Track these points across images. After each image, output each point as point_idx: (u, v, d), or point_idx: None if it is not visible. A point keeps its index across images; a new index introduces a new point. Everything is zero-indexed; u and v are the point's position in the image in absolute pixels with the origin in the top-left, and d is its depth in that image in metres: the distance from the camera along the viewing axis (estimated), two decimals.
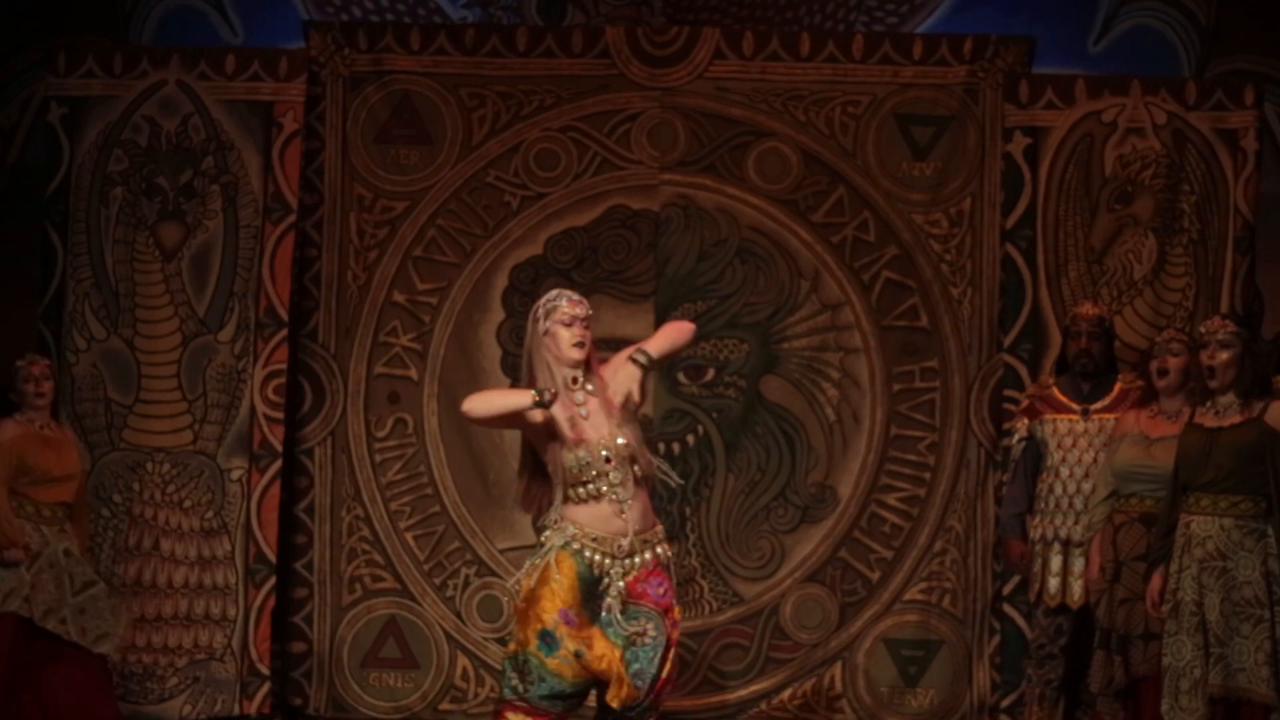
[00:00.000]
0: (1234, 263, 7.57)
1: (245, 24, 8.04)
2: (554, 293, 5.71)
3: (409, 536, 7.74)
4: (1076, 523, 6.79)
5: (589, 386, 5.64)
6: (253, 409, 7.63)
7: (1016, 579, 7.35)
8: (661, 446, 7.73)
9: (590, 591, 5.59)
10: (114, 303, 7.67)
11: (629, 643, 5.58)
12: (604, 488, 5.59)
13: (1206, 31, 7.91)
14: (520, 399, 5.57)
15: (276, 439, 7.63)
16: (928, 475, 7.70)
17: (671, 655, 5.64)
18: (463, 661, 7.67)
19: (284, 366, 7.67)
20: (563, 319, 5.63)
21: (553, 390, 5.55)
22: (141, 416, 7.63)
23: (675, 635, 5.65)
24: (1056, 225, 7.64)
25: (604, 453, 5.57)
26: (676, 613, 5.67)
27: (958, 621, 7.64)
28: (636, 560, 5.62)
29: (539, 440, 5.64)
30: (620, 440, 5.58)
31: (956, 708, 7.61)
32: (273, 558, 7.59)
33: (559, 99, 7.80)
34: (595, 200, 7.80)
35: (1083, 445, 6.88)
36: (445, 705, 7.66)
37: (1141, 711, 6.45)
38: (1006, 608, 7.50)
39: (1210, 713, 5.98)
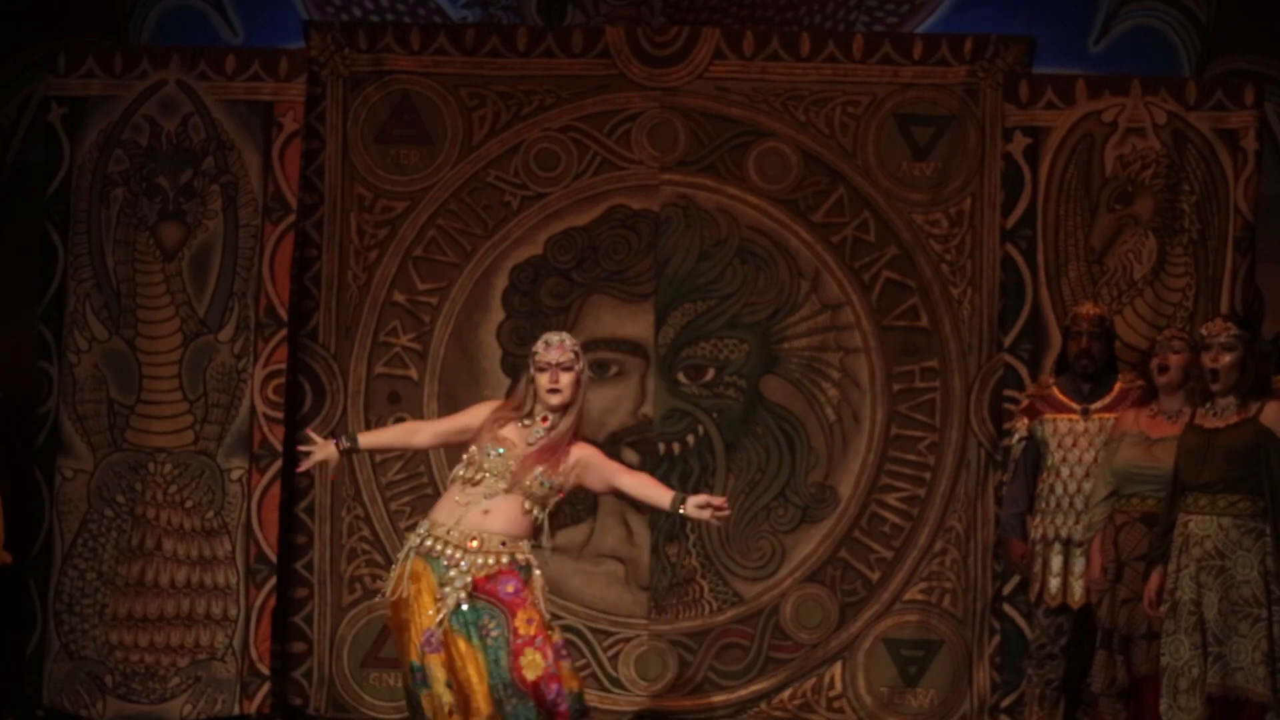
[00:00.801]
0: (1234, 263, 7.57)
1: (245, 24, 8.04)
2: (545, 336, 5.87)
3: (409, 536, 7.72)
4: (1077, 522, 6.80)
5: (546, 433, 5.77)
6: (253, 409, 7.63)
7: (1016, 579, 7.36)
8: (662, 446, 7.73)
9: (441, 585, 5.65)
10: (115, 303, 7.67)
11: (482, 643, 5.61)
12: (485, 483, 5.68)
13: (1207, 31, 7.91)
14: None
15: (277, 439, 7.63)
16: (928, 475, 7.70)
17: (534, 657, 5.58)
18: None
19: (284, 366, 7.67)
20: (539, 364, 5.81)
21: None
22: (143, 417, 7.63)
23: (527, 632, 5.58)
24: (1056, 225, 7.64)
25: (500, 450, 5.70)
26: (525, 617, 5.60)
27: (958, 621, 7.64)
28: (489, 561, 5.66)
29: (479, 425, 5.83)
30: (542, 482, 5.70)
31: (956, 708, 7.61)
32: (273, 558, 7.59)
33: (559, 99, 7.80)
34: (595, 200, 7.80)
35: (1083, 445, 6.88)
36: None
37: (1143, 711, 6.46)
38: (1006, 608, 7.50)
39: (1208, 712, 5.99)
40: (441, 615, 5.59)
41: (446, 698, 5.57)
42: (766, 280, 7.78)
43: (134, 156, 7.71)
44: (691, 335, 7.77)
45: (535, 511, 5.74)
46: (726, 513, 5.65)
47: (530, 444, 5.76)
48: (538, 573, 5.74)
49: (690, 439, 7.76)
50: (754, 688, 7.67)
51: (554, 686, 5.59)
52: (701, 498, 5.65)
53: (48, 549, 7.61)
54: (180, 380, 7.65)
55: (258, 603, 7.56)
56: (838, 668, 7.67)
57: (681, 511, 5.65)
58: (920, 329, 7.74)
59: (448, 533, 5.68)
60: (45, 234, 7.71)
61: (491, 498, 5.70)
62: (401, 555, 5.75)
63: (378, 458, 7.74)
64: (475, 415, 5.91)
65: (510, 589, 5.64)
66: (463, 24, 7.96)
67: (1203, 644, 6.02)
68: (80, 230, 7.70)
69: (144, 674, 7.54)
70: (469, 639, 5.60)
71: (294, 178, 7.71)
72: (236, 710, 7.53)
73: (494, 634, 5.60)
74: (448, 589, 5.62)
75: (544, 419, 5.80)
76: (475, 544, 5.66)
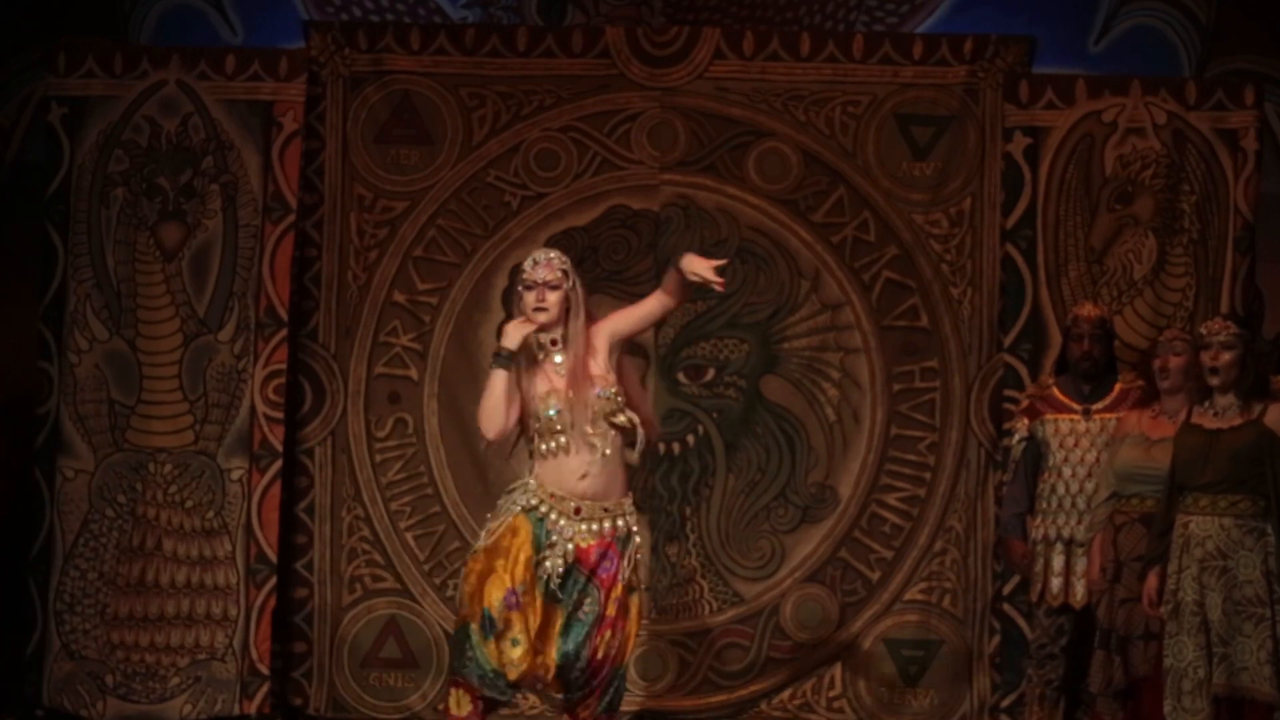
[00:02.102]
0: (1234, 263, 7.57)
1: (245, 24, 8.04)
2: (534, 253, 5.84)
3: (409, 536, 7.74)
4: (1079, 522, 6.79)
5: (568, 351, 5.69)
6: (253, 409, 7.63)
7: (1016, 579, 7.36)
8: (662, 446, 7.73)
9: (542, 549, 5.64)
10: (115, 303, 7.67)
11: (568, 613, 5.61)
12: (570, 444, 5.63)
13: (1207, 31, 7.91)
14: (492, 381, 5.68)
15: (277, 439, 7.63)
16: (928, 475, 7.70)
17: (607, 637, 5.64)
18: None
19: (284, 366, 7.67)
20: (524, 282, 5.76)
21: (505, 349, 5.63)
22: (143, 417, 7.63)
23: (611, 613, 5.64)
24: (1056, 225, 7.64)
25: (553, 408, 5.62)
26: (618, 592, 5.66)
27: (958, 621, 7.64)
28: (594, 527, 5.67)
29: (522, 393, 5.71)
30: (601, 394, 5.63)
31: (956, 708, 7.61)
32: (273, 558, 7.59)
33: (559, 99, 7.80)
34: (595, 200, 7.80)
35: (1084, 445, 6.88)
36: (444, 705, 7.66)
37: (1141, 712, 6.46)
38: (1006, 608, 7.50)
39: (1214, 713, 5.99)
40: (529, 578, 5.55)
41: (511, 652, 5.53)
42: (766, 280, 7.78)
43: (134, 156, 7.71)
44: (691, 335, 7.77)
45: (620, 419, 5.66)
46: (720, 281, 5.60)
47: (561, 374, 5.68)
48: (637, 539, 5.75)
49: (690, 439, 7.76)
50: (754, 688, 7.67)
51: (609, 668, 5.66)
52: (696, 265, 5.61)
53: (48, 549, 7.61)
54: (180, 380, 7.65)
55: (258, 603, 7.56)
56: (838, 668, 7.67)
57: (681, 266, 5.60)
58: (920, 329, 7.74)
59: (551, 496, 5.64)
60: (45, 234, 7.71)
61: (581, 453, 5.63)
62: (503, 508, 5.68)
63: (378, 457, 7.74)
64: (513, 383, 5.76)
65: (608, 564, 5.66)
66: (463, 24, 7.96)
67: (1207, 645, 6.01)
68: (80, 230, 7.70)
69: (144, 674, 7.54)
70: (558, 605, 5.60)
71: (294, 178, 7.71)
72: (236, 710, 7.53)
73: (586, 610, 5.63)
74: (546, 554, 5.60)
75: (553, 342, 5.72)
76: (578, 511, 5.65)
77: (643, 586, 5.83)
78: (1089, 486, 6.79)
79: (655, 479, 7.73)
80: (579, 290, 5.81)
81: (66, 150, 7.71)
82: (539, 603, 5.62)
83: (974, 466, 7.68)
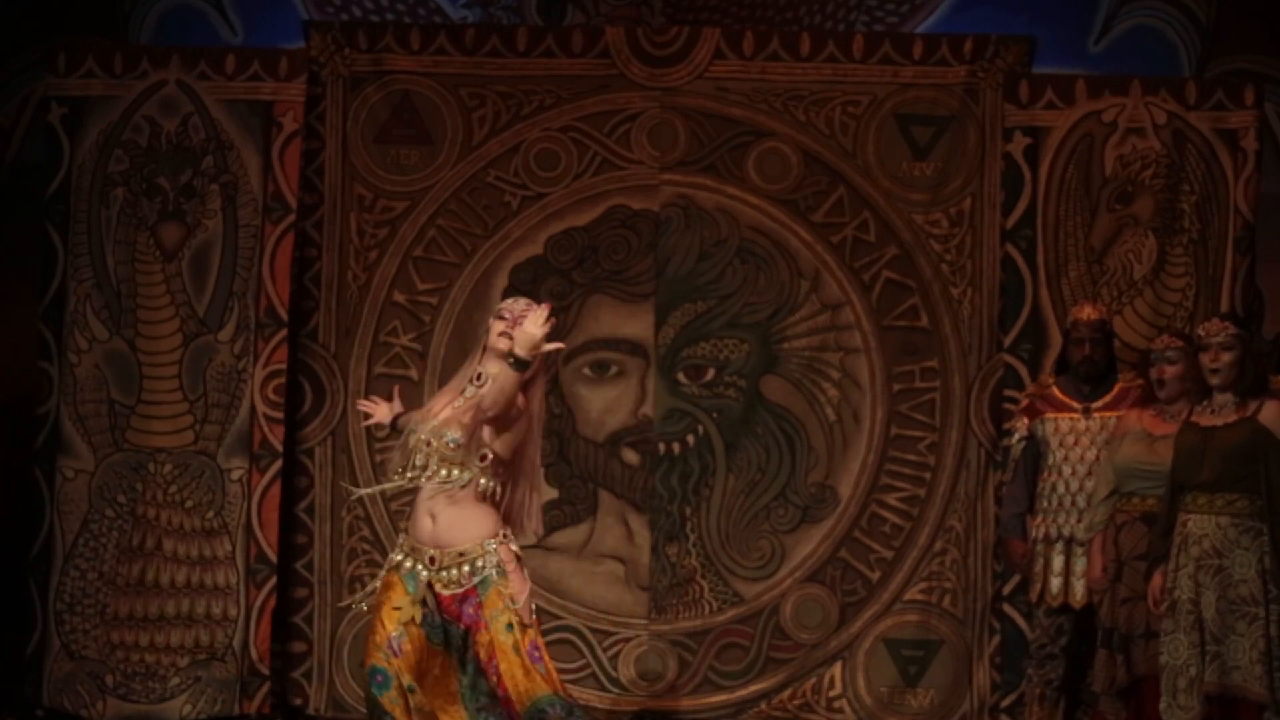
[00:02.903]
0: (1234, 263, 7.57)
1: (245, 24, 8.04)
2: (515, 297, 5.71)
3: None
4: (1079, 521, 6.80)
5: (481, 389, 5.53)
6: (253, 409, 7.63)
7: (1016, 579, 7.36)
8: (662, 446, 7.73)
9: (417, 603, 5.50)
10: (115, 303, 7.67)
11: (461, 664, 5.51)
12: (426, 471, 5.50)
13: (1207, 31, 7.91)
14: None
15: (277, 439, 7.63)
16: (928, 475, 7.70)
17: (498, 668, 5.43)
18: None
19: (284, 366, 7.67)
20: (499, 313, 5.61)
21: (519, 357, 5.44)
22: (143, 417, 7.63)
23: (483, 658, 5.44)
24: (1056, 225, 7.64)
25: (426, 438, 5.50)
26: (484, 637, 5.44)
27: (958, 621, 7.64)
28: (451, 574, 5.49)
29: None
30: (449, 438, 5.48)
31: (956, 708, 7.61)
32: (273, 558, 7.59)
33: (559, 99, 7.80)
34: (595, 200, 7.80)
35: (1084, 444, 6.89)
36: None
37: (1143, 711, 6.46)
38: (1006, 608, 7.50)
39: (1206, 711, 6.00)
40: (401, 624, 5.42)
41: (412, 698, 5.41)
42: (766, 280, 7.78)
43: (134, 156, 7.71)
44: (691, 335, 7.77)
45: (472, 480, 5.47)
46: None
47: (457, 406, 5.55)
48: (507, 570, 5.45)
49: (690, 439, 7.76)
50: (754, 688, 7.67)
51: (506, 713, 5.46)
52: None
53: (48, 549, 7.61)
54: (180, 380, 7.65)
55: (258, 603, 7.56)
56: (838, 668, 7.67)
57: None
58: (920, 329, 7.74)
59: (413, 550, 5.51)
60: (45, 234, 7.71)
61: (433, 497, 5.49)
62: (383, 569, 5.60)
63: (378, 457, 7.74)
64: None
65: (470, 610, 5.48)
66: (463, 24, 7.97)
67: (1201, 643, 6.02)
68: (80, 230, 7.70)
69: (144, 674, 7.54)
70: (448, 654, 5.50)
71: (294, 178, 7.71)
72: (236, 710, 7.53)
73: (469, 657, 5.50)
74: (411, 600, 5.48)
75: (477, 375, 5.56)
76: (433, 561, 5.50)
77: (531, 620, 5.48)
78: (1089, 485, 6.79)
79: (655, 479, 7.73)
80: (537, 363, 5.52)
81: (66, 150, 7.71)
82: (440, 656, 5.49)
83: (974, 466, 7.68)
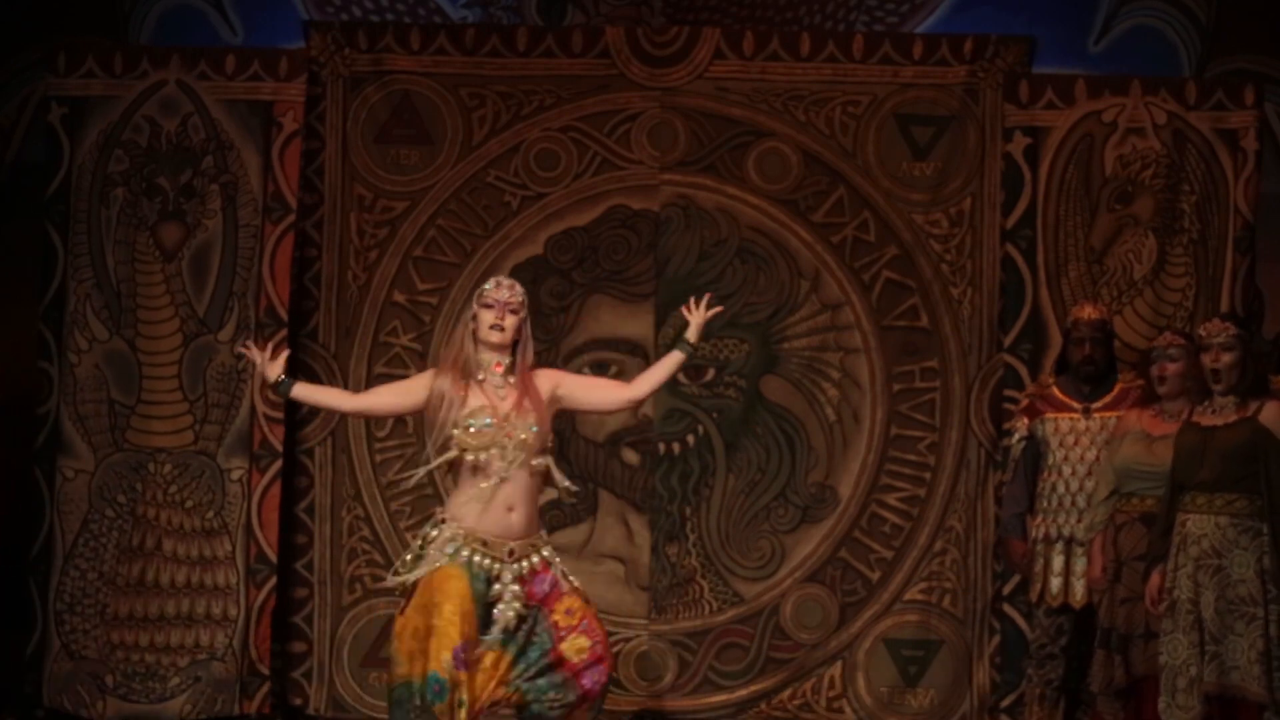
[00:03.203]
0: (1234, 263, 7.57)
1: (245, 24, 8.04)
2: (493, 278, 5.79)
3: (409, 536, 7.72)
4: (1079, 521, 6.80)
5: (511, 378, 5.66)
6: (253, 409, 7.63)
7: (1016, 579, 7.36)
8: (662, 446, 7.73)
9: (483, 601, 5.53)
10: (115, 303, 7.67)
11: (518, 649, 5.55)
12: (492, 464, 5.54)
13: (1207, 31, 7.91)
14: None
15: (277, 439, 7.63)
16: (928, 475, 7.70)
17: (572, 641, 5.59)
18: None
19: (284, 366, 7.65)
20: (485, 301, 5.68)
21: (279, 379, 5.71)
22: (143, 417, 7.63)
23: (565, 624, 5.57)
24: (1056, 225, 7.64)
25: (487, 420, 5.56)
26: (564, 607, 5.59)
27: (958, 621, 7.64)
28: (526, 564, 5.58)
29: (441, 412, 5.62)
30: (530, 431, 5.58)
31: (956, 708, 7.61)
32: (273, 558, 7.59)
33: (559, 99, 7.80)
34: (595, 200, 7.80)
35: (1085, 444, 6.89)
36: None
37: (1142, 711, 6.46)
38: (1006, 608, 7.50)
39: (1205, 711, 6.00)
40: (471, 631, 5.44)
41: (459, 713, 5.43)
42: (766, 280, 7.78)
43: (134, 156, 7.71)
44: None
45: (542, 463, 5.62)
46: (718, 308, 5.86)
47: (502, 398, 5.63)
48: (557, 558, 5.70)
49: (690, 439, 7.76)
50: (754, 688, 7.67)
51: (601, 669, 5.59)
52: (693, 317, 5.78)
53: (48, 549, 7.61)
54: (180, 380, 7.65)
55: (258, 603, 7.56)
56: (838, 668, 7.67)
57: (691, 342, 5.78)
58: (920, 329, 7.74)
59: (483, 543, 5.53)
60: (45, 234, 7.71)
61: (507, 483, 5.55)
62: (418, 554, 5.56)
63: (378, 457, 7.74)
64: (416, 386, 5.72)
65: (547, 586, 5.60)
66: (463, 24, 7.97)
67: (1200, 643, 6.02)
68: (80, 230, 7.70)
69: (144, 674, 7.54)
70: (504, 648, 5.53)
71: (294, 178, 7.71)
72: (236, 710, 7.53)
73: (536, 637, 5.56)
74: (501, 605, 5.51)
75: (496, 364, 5.66)
76: (512, 554, 5.57)
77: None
78: (1089, 485, 6.79)
79: (655, 479, 7.73)
80: (528, 328, 5.75)
81: (66, 150, 7.71)
82: (488, 656, 5.51)
83: (974, 466, 7.68)
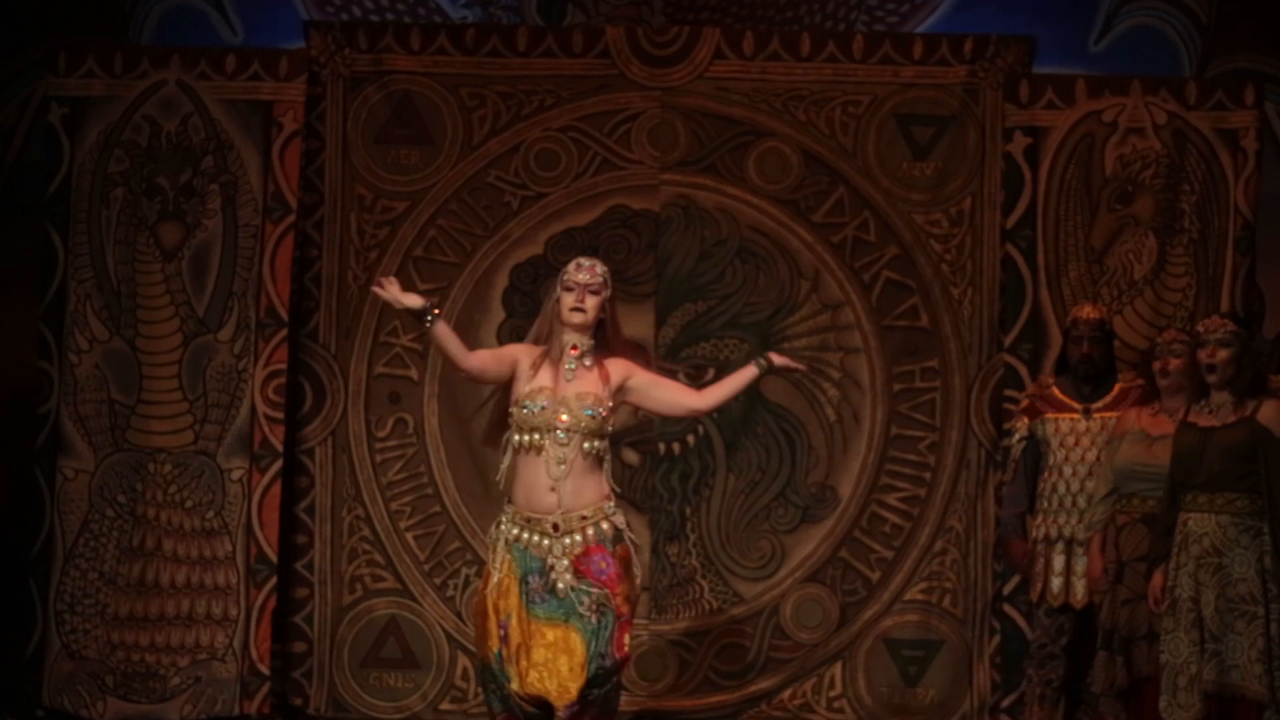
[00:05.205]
0: (1234, 263, 7.58)
1: (245, 24, 8.04)
2: (577, 259, 5.89)
3: (409, 536, 7.74)
4: (1079, 521, 6.80)
5: (586, 361, 5.76)
6: (253, 409, 7.63)
7: (1016, 579, 7.36)
8: (662, 446, 7.74)
9: (540, 579, 5.69)
10: (116, 303, 7.67)
11: (590, 628, 5.66)
12: (544, 446, 5.67)
13: (1207, 31, 7.91)
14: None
15: (277, 439, 7.63)
16: (928, 475, 7.70)
17: (627, 636, 5.72)
18: (463, 661, 7.67)
19: (284, 366, 7.67)
20: (566, 284, 5.82)
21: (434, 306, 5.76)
22: (143, 417, 7.63)
23: (627, 611, 5.72)
24: (1057, 225, 7.64)
25: (541, 403, 5.67)
26: (622, 595, 5.71)
27: (958, 621, 7.65)
28: (576, 539, 5.69)
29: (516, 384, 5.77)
30: (588, 413, 5.68)
31: (956, 708, 7.61)
32: (274, 558, 7.59)
33: (559, 99, 7.80)
34: (595, 200, 7.80)
35: (1085, 444, 6.88)
36: (445, 705, 7.67)
37: (1144, 712, 6.46)
38: (1006, 608, 7.51)
39: (1205, 709, 6.00)
40: (516, 604, 5.63)
41: (511, 686, 5.64)
42: (767, 280, 7.78)
43: (134, 156, 7.71)
44: (691, 335, 7.77)
45: (598, 447, 5.71)
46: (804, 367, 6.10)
47: (569, 379, 5.75)
48: (629, 535, 5.78)
49: (690, 439, 7.76)
50: (754, 688, 7.67)
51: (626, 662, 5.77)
52: (781, 359, 5.96)
53: (49, 549, 7.61)
54: (180, 380, 7.65)
55: (258, 603, 7.56)
56: (838, 668, 7.67)
57: (772, 363, 5.92)
58: (920, 329, 7.74)
59: (528, 520, 5.70)
60: (45, 234, 7.71)
61: (559, 464, 5.67)
62: (492, 541, 5.77)
63: (378, 457, 7.74)
64: (506, 358, 5.85)
65: (603, 565, 5.69)
66: (463, 24, 7.97)
67: (1200, 641, 6.03)
68: (80, 230, 7.70)
69: (144, 674, 7.54)
70: (566, 623, 5.63)
71: (294, 178, 7.71)
72: (236, 710, 7.53)
73: (605, 616, 5.65)
74: (554, 575, 5.65)
75: (573, 348, 5.79)
76: (556, 528, 5.68)
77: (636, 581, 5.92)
78: (1089, 486, 6.79)
79: (655, 479, 7.73)
80: (614, 307, 5.90)
81: (66, 150, 7.71)
82: (549, 631, 5.65)
83: (974, 466, 7.68)
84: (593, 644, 5.62)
